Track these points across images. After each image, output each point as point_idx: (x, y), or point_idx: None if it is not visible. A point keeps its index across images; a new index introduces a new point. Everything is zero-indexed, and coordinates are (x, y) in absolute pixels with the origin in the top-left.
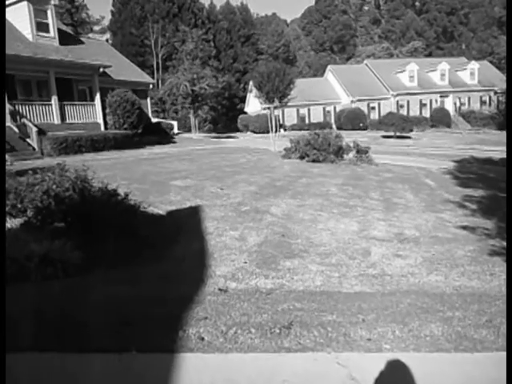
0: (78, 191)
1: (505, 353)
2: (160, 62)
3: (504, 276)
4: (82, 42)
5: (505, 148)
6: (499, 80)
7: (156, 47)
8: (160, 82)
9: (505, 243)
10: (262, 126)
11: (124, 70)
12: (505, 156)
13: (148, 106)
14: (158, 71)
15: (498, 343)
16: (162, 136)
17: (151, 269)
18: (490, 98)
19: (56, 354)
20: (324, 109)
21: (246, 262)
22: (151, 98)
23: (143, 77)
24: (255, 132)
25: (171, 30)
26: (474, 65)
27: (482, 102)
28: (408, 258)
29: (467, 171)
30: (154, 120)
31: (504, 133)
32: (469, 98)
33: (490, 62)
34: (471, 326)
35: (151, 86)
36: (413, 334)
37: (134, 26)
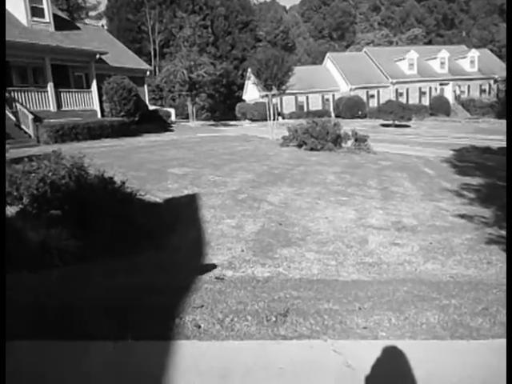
0: (74, 179)
1: (500, 340)
2: (157, 48)
3: (500, 264)
4: (78, 28)
5: (504, 137)
6: (499, 68)
7: (153, 33)
8: (157, 68)
9: (502, 232)
10: (260, 114)
11: (121, 56)
12: (504, 145)
13: (145, 93)
14: (155, 58)
15: (493, 331)
16: (160, 124)
17: (148, 257)
18: (489, 86)
19: (51, 342)
20: (323, 97)
21: (242, 251)
22: (148, 85)
23: (140, 63)
24: (253, 120)
25: (168, 16)
26: (474, 53)
27: (482, 91)
28: (405, 246)
29: (466, 160)
30: (152, 107)
31: (503, 121)
32: (468, 87)
33: (491, 49)
34: (467, 313)
35: (148, 72)
36: (409, 322)
37: (130, 12)
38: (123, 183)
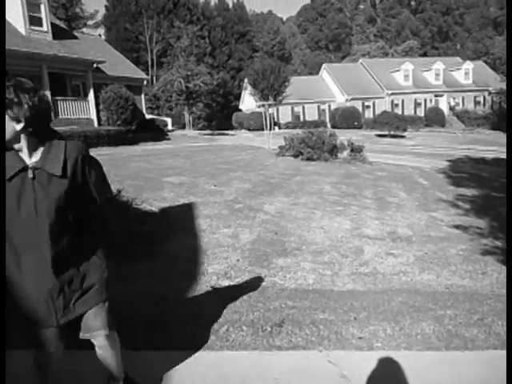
0: None
1: (496, 351)
2: (154, 58)
3: (496, 275)
4: (76, 37)
5: (498, 148)
6: (494, 80)
7: (151, 43)
8: (154, 78)
9: (497, 242)
10: (256, 124)
11: (118, 65)
12: (498, 156)
13: (142, 102)
14: (152, 67)
15: (489, 342)
16: (156, 133)
17: (143, 266)
18: (484, 98)
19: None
20: (319, 107)
21: (238, 260)
22: (145, 95)
23: (137, 73)
24: (250, 129)
25: (166, 25)
26: (469, 65)
27: (476, 102)
28: (400, 256)
29: (461, 171)
30: (148, 116)
31: (498, 133)
32: (463, 98)
33: (485, 62)
34: (462, 324)
35: (145, 82)
36: (404, 333)
37: (128, 22)
38: (119, 192)
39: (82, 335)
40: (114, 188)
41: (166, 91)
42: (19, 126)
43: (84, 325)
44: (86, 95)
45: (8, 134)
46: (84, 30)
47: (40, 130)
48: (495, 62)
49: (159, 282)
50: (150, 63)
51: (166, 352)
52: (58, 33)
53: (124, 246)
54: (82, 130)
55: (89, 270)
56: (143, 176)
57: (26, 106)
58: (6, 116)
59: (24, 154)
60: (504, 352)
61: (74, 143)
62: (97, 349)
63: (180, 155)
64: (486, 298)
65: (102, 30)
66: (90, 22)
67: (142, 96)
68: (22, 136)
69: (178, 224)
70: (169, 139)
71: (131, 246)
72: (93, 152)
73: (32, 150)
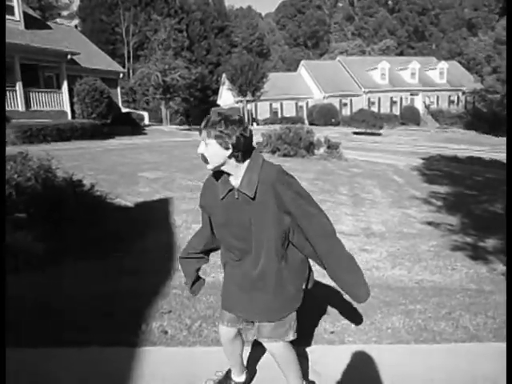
0: (40, 181)
1: (463, 344)
2: (131, 50)
3: (465, 270)
4: (50, 27)
5: (472, 147)
6: (467, 80)
7: (127, 35)
8: (131, 71)
9: (467, 239)
10: None
11: (93, 57)
12: (471, 154)
13: (118, 95)
14: (128, 60)
15: (456, 335)
16: (133, 127)
17: (117, 262)
18: (458, 97)
19: (8, 349)
20: (297, 104)
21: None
22: (122, 88)
23: (113, 65)
24: None
25: (143, 18)
26: (444, 65)
27: (451, 102)
28: (373, 252)
29: (434, 168)
30: (125, 110)
31: (471, 132)
32: (437, 97)
33: (459, 62)
34: (431, 318)
35: (121, 75)
36: (375, 327)
37: (104, 13)
38: (92, 186)
39: None
40: (87, 182)
41: (143, 85)
42: (228, 153)
43: None
44: (59, 87)
45: (220, 159)
46: (58, 20)
47: (244, 153)
48: (469, 62)
49: (131, 278)
50: (126, 56)
51: (136, 349)
52: (31, 22)
53: (96, 242)
54: (54, 123)
55: None
56: (118, 170)
57: (234, 137)
58: (217, 144)
59: (232, 177)
60: (470, 345)
61: (269, 170)
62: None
63: (156, 150)
64: (455, 293)
65: (76, 21)
66: (64, 13)
67: (118, 89)
68: (229, 160)
69: (153, 219)
70: (145, 134)
71: (104, 242)
72: (66, 145)
73: (237, 173)
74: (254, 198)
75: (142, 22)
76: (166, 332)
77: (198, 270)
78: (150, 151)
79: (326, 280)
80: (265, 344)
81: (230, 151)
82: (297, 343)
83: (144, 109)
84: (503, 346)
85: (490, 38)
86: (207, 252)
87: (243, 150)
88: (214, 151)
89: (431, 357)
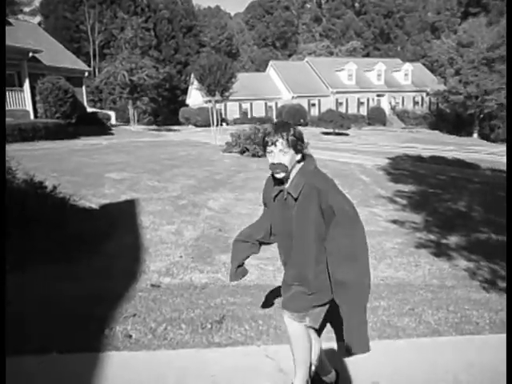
0: None
1: (425, 339)
2: (97, 49)
3: (428, 266)
4: (11, 24)
5: (436, 146)
6: (431, 82)
7: (92, 33)
8: (97, 70)
9: (431, 236)
10: (204, 120)
11: (57, 55)
12: (435, 154)
13: (83, 94)
14: (94, 59)
15: (419, 330)
16: (99, 127)
17: (82, 265)
18: (422, 98)
19: None
20: (266, 104)
21: (181, 257)
22: (87, 87)
23: (78, 64)
24: (197, 125)
25: (109, 16)
26: (408, 66)
27: (415, 103)
28: None
29: (400, 168)
30: (90, 110)
31: (436, 132)
32: (403, 98)
33: (423, 64)
34: (395, 314)
35: (87, 73)
36: (340, 324)
37: (67, 10)
38: (55, 188)
39: None
40: (49, 184)
41: (109, 84)
42: (299, 156)
43: None
44: (21, 85)
45: (292, 164)
46: (20, 16)
47: (297, 156)
48: (432, 64)
49: (97, 281)
50: (91, 54)
51: (99, 354)
52: None
53: (59, 245)
54: (16, 123)
55: None
56: (83, 172)
57: (289, 139)
58: (293, 150)
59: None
60: (432, 339)
61: (313, 181)
62: None
63: (123, 150)
64: (418, 289)
65: (39, 18)
66: (26, 9)
67: (83, 88)
68: (296, 164)
69: (120, 221)
70: (112, 134)
71: (67, 245)
72: (28, 146)
73: (291, 174)
74: (296, 199)
75: (107, 20)
76: (130, 336)
77: (247, 257)
78: (116, 152)
79: None
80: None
81: (300, 155)
82: (263, 342)
83: (111, 108)
84: (462, 339)
85: (453, 41)
86: (260, 244)
87: (298, 153)
88: (290, 158)
89: (394, 352)
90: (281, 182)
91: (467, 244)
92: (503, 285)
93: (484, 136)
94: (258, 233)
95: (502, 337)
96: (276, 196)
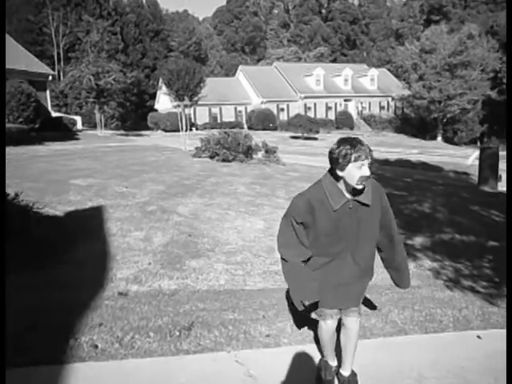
0: None
1: (392, 338)
2: (61, 52)
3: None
4: None
5: (401, 150)
6: (396, 87)
7: (57, 36)
8: (62, 73)
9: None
10: (173, 124)
11: (19, 59)
12: (401, 157)
13: (47, 99)
14: (59, 62)
15: (385, 329)
16: (64, 132)
17: (45, 274)
18: (388, 103)
19: None
20: (235, 109)
21: (150, 263)
22: (52, 91)
23: (41, 67)
24: (166, 130)
25: (74, 19)
26: (374, 72)
27: (381, 107)
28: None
29: None
30: (55, 114)
31: (401, 136)
32: (369, 103)
33: (388, 69)
34: (363, 315)
35: (51, 77)
36: (309, 327)
37: (30, 12)
38: (17, 195)
39: None
40: (11, 191)
41: (75, 88)
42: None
43: None
44: None
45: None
46: None
47: None
48: (397, 69)
49: (62, 290)
50: (56, 58)
51: (63, 366)
52: None
53: (24, 254)
54: None
55: None
56: (46, 178)
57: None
58: (368, 163)
59: (344, 191)
60: (398, 338)
61: (376, 185)
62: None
63: (89, 156)
64: (385, 289)
65: None
66: None
67: (47, 92)
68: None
69: (86, 228)
70: (78, 139)
71: (32, 253)
72: None
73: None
74: (368, 205)
75: (72, 23)
76: (96, 346)
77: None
78: (82, 157)
79: (264, 284)
80: (354, 321)
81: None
82: (232, 348)
83: (77, 113)
84: (427, 337)
85: (416, 48)
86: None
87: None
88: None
89: (362, 352)
90: (340, 195)
91: (431, 244)
92: (467, 283)
93: (447, 139)
94: (305, 254)
95: (465, 334)
96: (338, 208)
